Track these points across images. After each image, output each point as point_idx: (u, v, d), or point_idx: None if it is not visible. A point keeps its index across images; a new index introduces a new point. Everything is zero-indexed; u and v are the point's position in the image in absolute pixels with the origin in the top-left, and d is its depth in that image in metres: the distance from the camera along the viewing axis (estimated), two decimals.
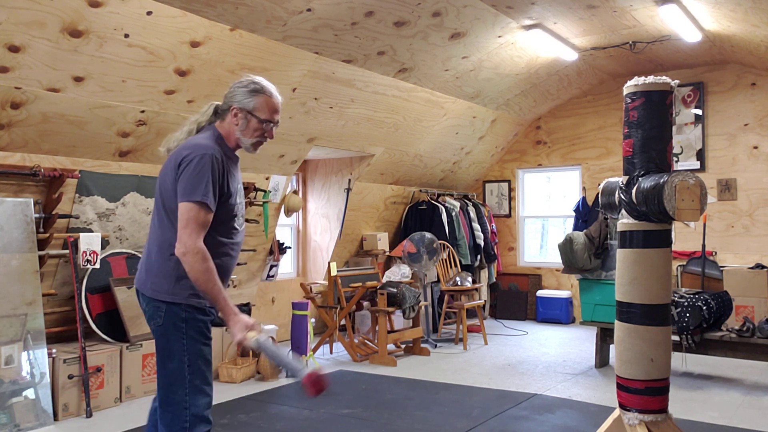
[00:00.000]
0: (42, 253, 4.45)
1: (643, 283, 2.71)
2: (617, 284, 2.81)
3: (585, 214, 7.98)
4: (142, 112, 4.62)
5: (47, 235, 4.48)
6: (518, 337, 7.24)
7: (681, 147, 7.58)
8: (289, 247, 7.03)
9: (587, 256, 5.75)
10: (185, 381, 2.33)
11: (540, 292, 8.36)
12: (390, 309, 5.97)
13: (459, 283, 7.14)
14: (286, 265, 7.36)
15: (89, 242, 4.62)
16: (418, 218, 8.01)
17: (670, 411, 2.77)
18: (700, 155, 7.49)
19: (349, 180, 7.28)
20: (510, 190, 8.94)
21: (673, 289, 3.74)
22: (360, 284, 6.22)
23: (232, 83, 2.49)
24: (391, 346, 6.32)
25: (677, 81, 2.84)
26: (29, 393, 4.10)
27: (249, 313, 5.90)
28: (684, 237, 7.38)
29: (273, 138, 2.50)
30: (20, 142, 4.23)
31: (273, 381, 5.24)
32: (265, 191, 6.14)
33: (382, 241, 7.68)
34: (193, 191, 2.26)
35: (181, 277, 2.34)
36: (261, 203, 6.11)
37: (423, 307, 6.54)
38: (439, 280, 7.36)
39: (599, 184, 3.01)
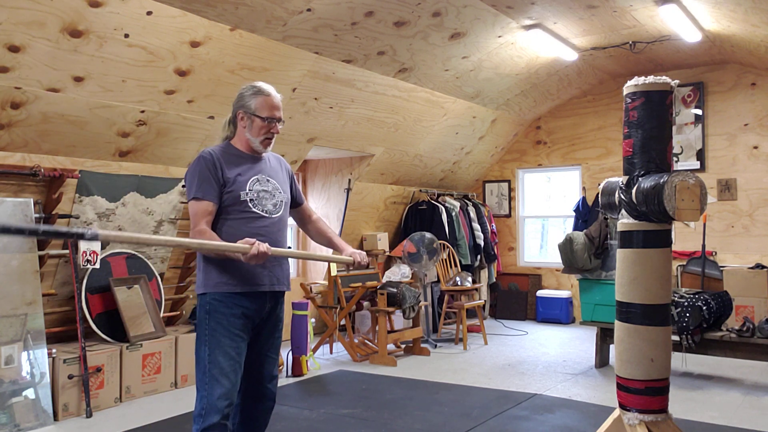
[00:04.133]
0: (42, 253, 4.45)
1: (643, 283, 2.70)
2: (617, 284, 2.80)
3: (585, 214, 7.98)
4: (142, 112, 4.62)
5: None
6: (518, 337, 7.24)
7: (681, 147, 7.58)
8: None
9: (587, 256, 5.75)
10: (205, 369, 2.52)
11: (540, 292, 8.35)
12: (390, 309, 5.97)
13: (459, 283, 7.14)
14: None
15: (89, 242, 4.62)
16: (418, 218, 8.01)
17: (670, 411, 2.77)
18: (700, 155, 7.49)
19: (349, 180, 7.28)
20: (510, 190, 8.94)
21: (673, 289, 3.74)
22: (360, 284, 6.22)
23: (239, 90, 2.76)
24: (391, 346, 6.32)
25: (677, 81, 2.83)
26: (29, 393, 4.10)
27: None
28: (684, 237, 7.38)
29: (279, 133, 2.73)
30: (20, 142, 4.23)
31: None
32: None
33: (382, 241, 7.68)
34: (188, 192, 2.62)
35: (209, 269, 2.59)
36: None
37: (423, 307, 6.54)
38: (439, 280, 7.36)
39: (599, 184, 3.01)
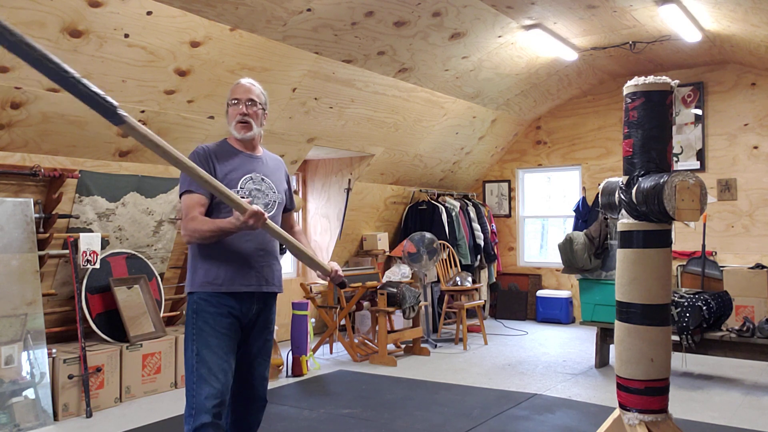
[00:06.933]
0: (42, 253, 4.45)
1: (643, 283, 2.70)
2: (617, 284, 2.80)
3: (585, 214, 7.98)
4: (142, 112, 4.62)
5: (47, 235, 4.48)
6: (518, 337, 7.24)
7: (681, 147, 7.59)
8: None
9: (587, 256, 5.75)
10: (193, 369, 2.51)
11: (540, 292, 8.36)
12: (390, 309, 5.97)
13: (459, 283, 7.14)
14: (286, 265, 7.35)
15: (89, 242, 4.62)
16: (418, 218, 8.01)
17: (670, 411, 2.77)
18: (700, 155, 7.49)
19: (349, 180, 7.28)
20: (510, 190, 8.94)
21: (673, 289, 3.74)
22: (360, 284, 6.22)
23: None
24: (391, 346, 6.32)
25: (677, 81, 2.83)
26: (29, 393, 4.10)
27: None
28: (684, 237, 7.38)
29: (247, 113, 2.67)
30: (20, 142, 4.23)
31: (273, 381, 5.23)
32: None
33: (382, 241, 7.68)
34: (181, 186, 2.60)
35: (196, 268, 2.59)
36: None
37: (423, 307, 6.54)
38: (439, 280, 7.36)
39: (599, 184, 3.01)
